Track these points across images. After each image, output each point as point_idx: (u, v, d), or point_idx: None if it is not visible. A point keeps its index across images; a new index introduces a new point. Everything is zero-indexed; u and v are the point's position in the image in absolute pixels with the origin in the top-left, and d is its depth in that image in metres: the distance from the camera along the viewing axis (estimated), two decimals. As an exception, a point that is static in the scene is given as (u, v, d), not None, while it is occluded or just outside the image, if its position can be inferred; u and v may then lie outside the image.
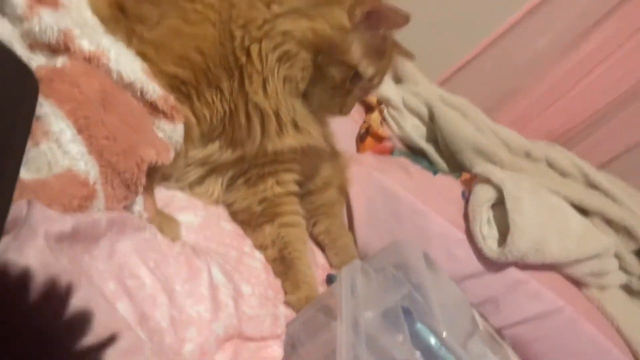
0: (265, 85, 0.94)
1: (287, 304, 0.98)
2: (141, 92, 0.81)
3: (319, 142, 1.05)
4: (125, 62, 0.79)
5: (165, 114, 0.84)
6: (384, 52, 1.01)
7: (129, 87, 0.80)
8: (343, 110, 1.04)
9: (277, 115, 0.97)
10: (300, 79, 0.97)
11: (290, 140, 1.00)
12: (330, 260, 1.23)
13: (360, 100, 1.55)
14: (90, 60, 0.76)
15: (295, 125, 1.00)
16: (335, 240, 1.24)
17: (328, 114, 1.07)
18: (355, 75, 0.99)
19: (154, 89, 0.82)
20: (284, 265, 1.04)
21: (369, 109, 1.61)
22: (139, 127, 0.75)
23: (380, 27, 0.96)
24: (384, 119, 1.60)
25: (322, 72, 0.97)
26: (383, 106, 1.56)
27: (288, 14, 0.93)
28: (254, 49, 0.92)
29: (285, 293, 1.00)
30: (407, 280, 0.82)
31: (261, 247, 1.06)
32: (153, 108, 0.84)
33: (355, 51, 0.96)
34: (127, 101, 0.77)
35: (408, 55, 1.10)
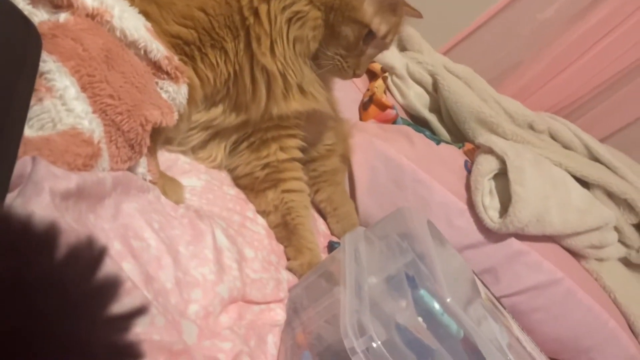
0: (274, 47, 0.93)
1: (290, 269, 0.97)
2: (145, 51, 0.80)
3: (324, 107, 1.04)
4: (129, 19, 0.78)
5: (169, 74, 0.83)
6: (396, 8, 0.99)
7: (132, 45, 0.79)
8: (357, 72, 1.02)
9: (285, 78, 0.95)
10: (312, 39, 0.95)
11: (296, 104, 0.98)
12: (332, 228, 1.23)
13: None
14: (93, 16, 0.74)
15: (302, 89, 0.98)
16: (337, 208, 1.24)
17: (341, 76, 1.04)
18: (369, 34, 0.96)
19: (158, 48, 0.81)
20: (286, 231, 1.03)
21: (372, 76, 1.59)
22: (143, 87, 0.73)
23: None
24: (387, 87, 1.58)
25: (335, 32, 0.95)
26: (387, 74, 1.54)
27: None
28: (263, 9, 0.90)
29: (288, 259, 1.00)
30: (411, 249, 0.81)
31: (264, 213, 1.05)
32: (157, 68, 0.82)
33: (368, 8, 0.94)
34: (131, 60, 0.75)
35: (416, 14, 1.08)
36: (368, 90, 1.55)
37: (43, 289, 0.28)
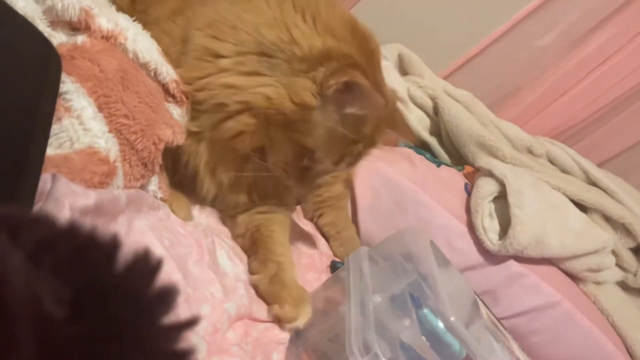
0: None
1: (252, 284, 0.88)
2: (155, 73, 0.82)
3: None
4: (142, 41, 0.80)
5: (174, 98, 0.84)
6: (359, 135, 0.88)
7: (143, 67, 0.81)
8: (301, 188, 0.93)
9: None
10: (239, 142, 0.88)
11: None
12: (334, 251, 1.23)
13: None
14: (108, 38, 0.77)
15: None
16: (341, 232, 1.25)
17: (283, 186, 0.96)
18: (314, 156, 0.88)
19: (168, 71, 0.83)
20: (253, 244, 0.96)
21: None
22: (156, 106, 0.76)
23: (355, 105, 0.83)
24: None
25: (273, 143, 0.87)
26: (399, 104, 1.56)
27: (240, 72, 0.84)
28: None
29: (251, 273, 0.90)
30: (415, 269, 0.83)
31: (237, 238, 0.99)
32: (165, 90, 0.84)
33: (317, 134, 0.84)
34: (145, 81, 0.78)
35: (407, 135, 1.01)
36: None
37: (115, 295, 0.30)
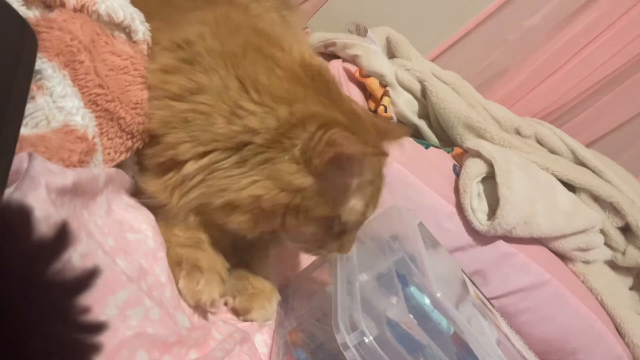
0: None
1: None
2: (129, 31, 0.79)
3: None
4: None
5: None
6: (369, 181, 0.78)
7: (119, 27, 0.78)
8: (342, 251, 0.81)
9: None
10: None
11: None
12: None
13: (362, 88, 1.53)
14: (81, 9, 0.74)
15: None
16: None
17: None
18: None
19: (144, 32, 0.80)
20: None
21: (366, 92, 1.58)
22: (127, 69, 0.73)
23: (353, 166, 0.74)
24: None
25: (288, 229, 0.76)
26: (388, 88, 1.54)
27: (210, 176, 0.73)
28: None
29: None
30: (402, 250, 0.83)
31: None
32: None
33: (332, 199, 0.74)
34: (114, 46, 0.75)
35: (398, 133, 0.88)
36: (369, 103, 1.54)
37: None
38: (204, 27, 0.78)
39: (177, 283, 0.71)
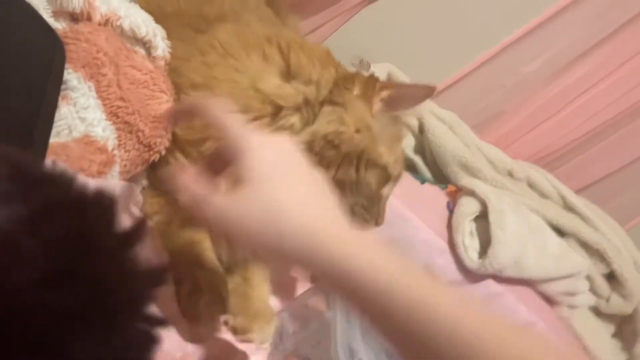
0: None
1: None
2: (150, 47, 0.81)
3: None
4: (136, 15, 0.79)
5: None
6: (400, 135, 0.87)
7: (139, 43, 0.81)
8: (379, 221, 0.88)
9: None
10: None
11: None
12: None
13: None
14: (105, 23, 0.76)
15: None
16: None
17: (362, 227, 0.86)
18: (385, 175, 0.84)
19: (164, 49, 0.82)
20: None
21: None
22: (147, 84, 0.75)
23: (400, 108, 0.81)
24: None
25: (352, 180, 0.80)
26: None
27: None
28: None
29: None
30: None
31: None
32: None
33: (384, 144, 0.80)
34: (134, 60, 0.77)
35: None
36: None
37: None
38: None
39: (179, 302, 0.72)
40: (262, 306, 0.86)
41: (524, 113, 1.83)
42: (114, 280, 0.30)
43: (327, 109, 0.77)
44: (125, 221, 0.69)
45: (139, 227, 0.33)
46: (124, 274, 0.31)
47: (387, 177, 0.84)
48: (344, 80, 0.78)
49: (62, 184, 0.32)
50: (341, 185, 0.79)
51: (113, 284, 0.30)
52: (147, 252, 0.38)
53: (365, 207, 0.85)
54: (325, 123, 0.76)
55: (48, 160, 0.54)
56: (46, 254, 0.29)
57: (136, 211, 0.73)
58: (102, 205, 0.32)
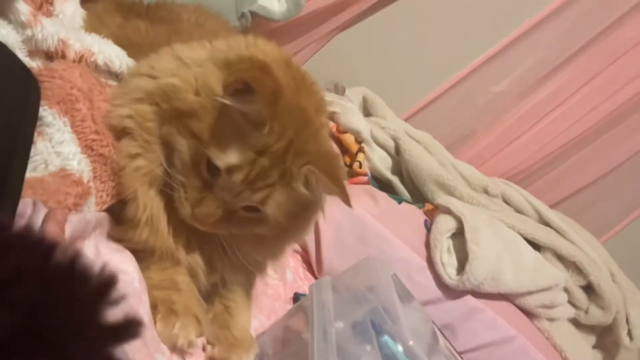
0: None
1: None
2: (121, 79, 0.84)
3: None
4: (108, 50, 0.82)
5: None
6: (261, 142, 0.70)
7: (113, 76, 0.83)
8: (195, 212, 0.73)
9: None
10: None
11: None
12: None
13: (338, 143, 1.57)
14: (80, 60, 0.79)
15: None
16: None
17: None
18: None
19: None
20: None
21: (341, 147, 1.63)
22: None
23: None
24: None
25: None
26: (363, 144, 1.60)
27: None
28: None
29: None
30: (377, 299, 0.86)
31: None
32: None
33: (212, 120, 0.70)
34: (106, 93, 0.79)
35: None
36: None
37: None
38: None
39: (155, 326, 0.73)
40: (241, 335, 0.86)
41: (496, 131, 1.89)
42: (79, 347, 0.31)
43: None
44: (104, 247, 0.72)
45: (110, 290, 0.34)
46: (89, 342, 0.31)
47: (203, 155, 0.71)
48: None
49: (33, 250, 0.33)
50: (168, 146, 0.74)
51: (78, 351, 0.30)
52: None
53: (186, 190, 0.74)
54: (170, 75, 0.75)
55: (28, 200, 0.56)
56: (8, 321, 0.29)
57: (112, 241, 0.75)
58: (74, 273, 0.33)
